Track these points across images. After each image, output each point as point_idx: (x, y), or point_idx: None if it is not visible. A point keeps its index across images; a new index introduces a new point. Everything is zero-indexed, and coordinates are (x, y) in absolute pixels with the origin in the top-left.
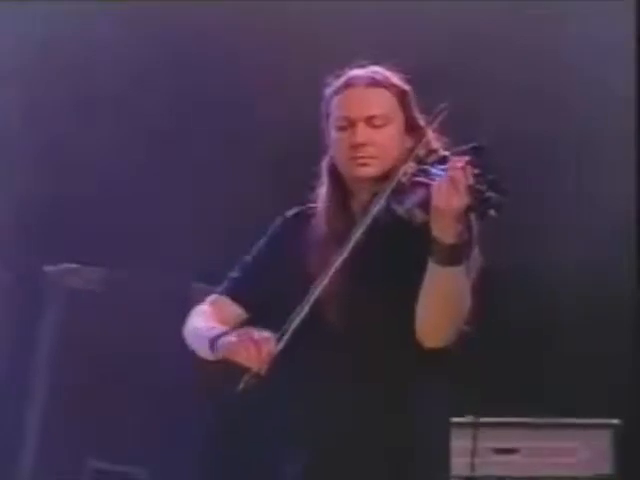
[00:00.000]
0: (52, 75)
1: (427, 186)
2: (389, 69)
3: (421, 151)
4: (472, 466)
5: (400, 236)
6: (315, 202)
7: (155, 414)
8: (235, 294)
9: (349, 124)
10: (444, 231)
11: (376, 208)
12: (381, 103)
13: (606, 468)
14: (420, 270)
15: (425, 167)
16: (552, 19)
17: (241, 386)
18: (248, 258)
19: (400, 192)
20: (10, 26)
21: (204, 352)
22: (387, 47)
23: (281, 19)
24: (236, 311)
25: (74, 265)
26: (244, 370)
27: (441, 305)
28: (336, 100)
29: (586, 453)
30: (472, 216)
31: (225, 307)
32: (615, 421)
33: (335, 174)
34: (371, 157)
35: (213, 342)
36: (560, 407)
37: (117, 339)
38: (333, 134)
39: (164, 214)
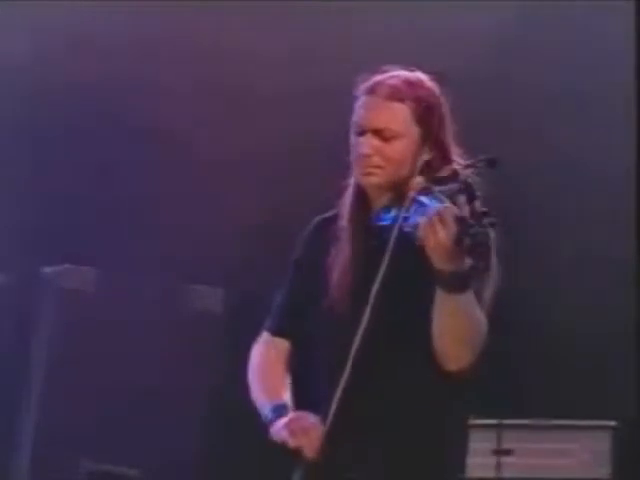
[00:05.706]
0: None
1: (424, 207)
2: (422, 74)
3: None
4: (498, 466)
5: (409, 254)
6: (341, 199)
7: (150, 415)
8: (283, 332)
9: (361, 132)
10: (441, 262)
11: (395, 229)
12: (393, 118)
13: (605, 470)
14: (430, 290)
15: (429, 185)
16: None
17: (301, 474)
18: (287, 287)
19: (408, 209)
20: None
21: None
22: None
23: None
24: (288, 347)
25: (71, 266)
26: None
27: (451, 330)
28: (357, 103)
29: (585, 455)
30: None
31: (278, 345)
32: (614, 423)
33: None
34: (376, 167)
35: (270, 422)
36: (560, 409)
37: (113, 340)
38: (351, 137)
39: (162, 215)
